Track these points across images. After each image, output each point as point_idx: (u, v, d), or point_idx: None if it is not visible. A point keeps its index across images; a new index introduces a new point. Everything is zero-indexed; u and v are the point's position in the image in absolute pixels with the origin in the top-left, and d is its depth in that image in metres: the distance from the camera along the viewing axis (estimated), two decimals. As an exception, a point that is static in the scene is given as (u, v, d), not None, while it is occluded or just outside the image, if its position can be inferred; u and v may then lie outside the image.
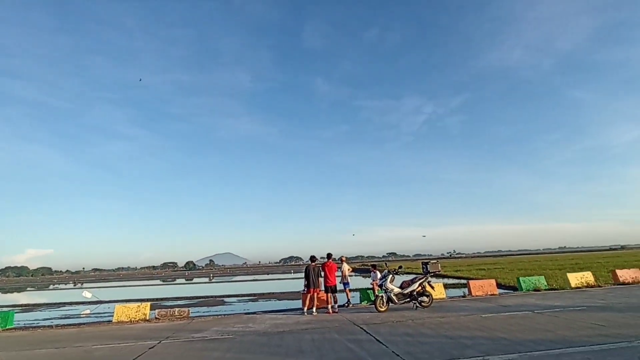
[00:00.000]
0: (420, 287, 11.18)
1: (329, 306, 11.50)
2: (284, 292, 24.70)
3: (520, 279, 15.42)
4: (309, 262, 12.20)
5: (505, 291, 15.59)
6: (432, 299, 11.44)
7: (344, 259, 13.79)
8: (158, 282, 63.53)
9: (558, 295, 12.93)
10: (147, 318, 12.23)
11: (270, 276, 60.00)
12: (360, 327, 8.73)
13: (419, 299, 11.12)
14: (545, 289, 14.47)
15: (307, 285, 11.61)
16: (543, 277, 15.73)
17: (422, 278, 11.40)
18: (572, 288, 14.38)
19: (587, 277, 15.16)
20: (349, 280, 13.41)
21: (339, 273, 12.68)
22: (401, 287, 11.13)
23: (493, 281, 14.80)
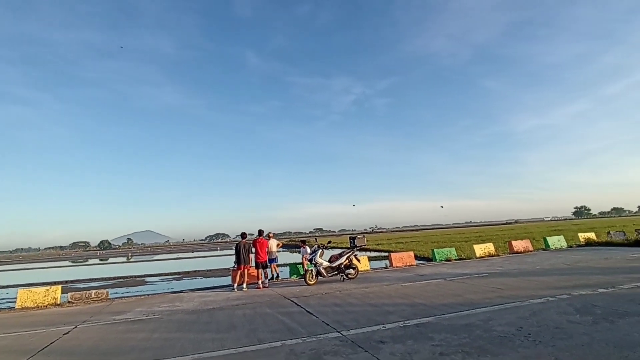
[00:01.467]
0: (347, 260, 11.76)
1: (260, 282, 11.59)
2: (211, 270, 24.20)
3: (435, 250, 17.02)
4: (239, 238, 12.08)
5: (422, 262, 17.09)
6: (358, 271, 12.12)
7: (271, 235, 13.86)
8: (67, 263, 57.89)
9: (466, 264, 14.56)
10: (59, 302, 11.18)
11: (195, 254, 58.14)
12: (291, 301, 8.98)
13: (346, 271, 11.71)
14: (455, 259, 16.18)
15: (238, 262, 11.54)
16: (454, 248, 17.53)
17: (349, 252, 12.00)
18: (477, 258, 16.27)
19: (489, 247, 17.26)
20: (277, 256, 13.63)
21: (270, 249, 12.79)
22: (330, 261, 11.60)
23: (411, 253, 16.12)
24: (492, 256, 16.52)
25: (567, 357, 4.30)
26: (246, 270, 11.56)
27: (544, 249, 17.96)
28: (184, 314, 8.32)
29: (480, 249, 16.95)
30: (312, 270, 11.32)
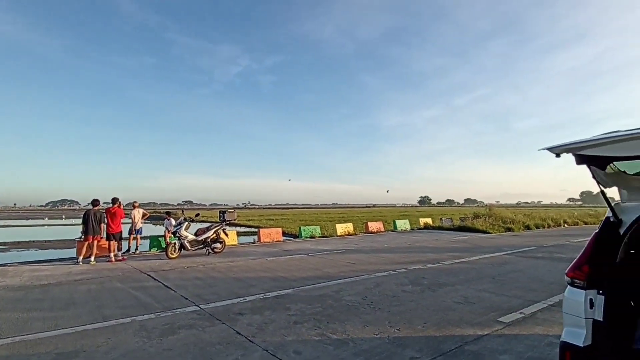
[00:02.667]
0: (214, 234, 11.49)
1: (112, 254, 10.42)
2: (50, 241, 20.65)
3: (301, 228, 17.95)
4: (90, 206, 10.59)
5: (289, 238, 17.86)
6: (225, 245, 11.97)
7: (136, 204, 12.61)
8: None
9: (328, 241, 15.77)
10: None
11: (31, 222, 48.81)
12: (148, 275, 8.36)
13: (212, 245, 11.44)
14: (319, 237, 17.37)
15: (86, 232, 10.11)
16: (318, 227, 18.77)
17: (218, 226, 11.73)
18: (338, 236, 17.79)
19: (349, 227, 19.04)
20: (142, 227, 12.51)
21: (127, 220, 11.59)
22: (196, 234, 11.15)
23: (280, 229, 16.68)
24: (351, 235, 18.28)
25: (398, 319, 5.09)
26: (95, 241, 10.23)
27: (392, 230, 20.69)
28: (7, 291, 6.96)
29: (341, 228, 18.55)
30: (175, 243, 10.70)
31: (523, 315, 5.30)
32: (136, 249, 12.21)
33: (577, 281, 2.48)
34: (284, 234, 17.05)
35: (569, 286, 2.58)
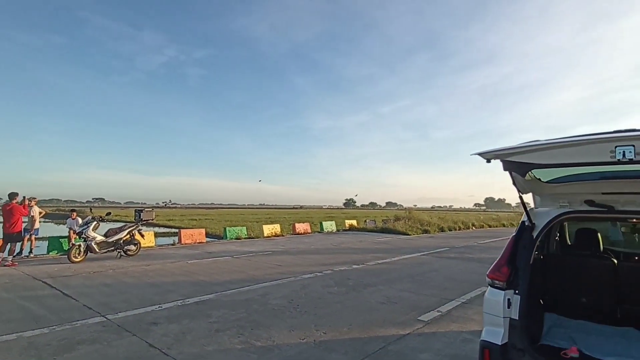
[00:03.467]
0: (128, 235, 10.47)
1: (3, 257, 8.98)
2: None
3: (226, 228, 17.28)
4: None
5: (213, 239, 17.06)
6: (140, 247, 10.99)
7: (34, 201, 10.81)
8: None
9: (254, 242, 15.37)
10: None
11: None
12: (43, 282, 7.28)
13: (125, 247, 10.42)
14: (245, 238, 16.87)
15: None
16: (245, 228, 18.24)
17: (133, 226, 10.72)
18: (265, 237, 17.45)
19: (276, 228, 18.81)
20: (39, 228, 10.91)
21: (25, 219, 10.06)
22: (106, 235, 10.05)
23: (203, 230, 15.85)
24: (278, 236, 18.07)
25: (324, 322, 5.05)
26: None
27: (319, 232, 20.93)
28: None
29: (268, 229, 18.24)
30: (80, 245, 9.52)
31: (440, 313, 5.60)
32: (30, 251, 10.62)
33: (497, 282, 2.61)
34: (207, 235, 16.22)
35: (489, 287, 2.71)
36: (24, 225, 9.84)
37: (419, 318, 5.33)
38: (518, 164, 2.23)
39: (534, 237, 2.73)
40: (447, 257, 11.59)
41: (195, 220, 39.55)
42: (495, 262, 2.75)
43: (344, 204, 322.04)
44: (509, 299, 2.51)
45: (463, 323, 5.15)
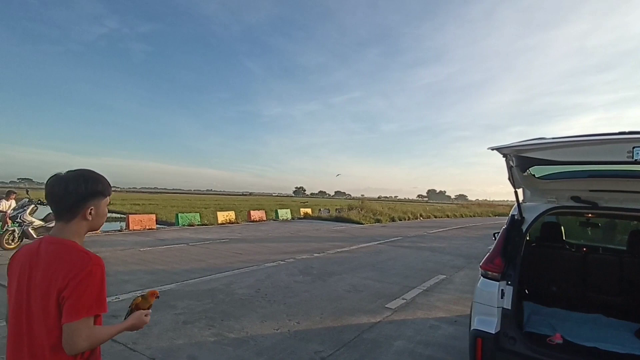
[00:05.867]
0: (71, 221, 9.60)
1: None
2: None
3: (179, 214, 16.52)
4: None
5: (163, 226, 16.22)
6: (85, 233, 10.13)
7: None
8: None
9: (208, 229, 14.85)
10: None
11: None
12: (-28, 271, 6.45)
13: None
14: (199, 224, 16.25)
15: None
16: (198, 214, 17.56)
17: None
18: (219, 224, 16.92)
19: (231, 215, 18.32)
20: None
21: None
22: (45, 220, 9.14)
23: (153, 216, 15.02)
24: (233, 223, 17.62)
25: (295, 311, 4.99)
26: None
27: (274, 220, 20.72)
28: None
29: (222, 216, 17.72)
30: (14, 230, 8.56)
31: (405, 300, 5.78)
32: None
33: (491, 273, 2.70)
34: (157, 221, 15.39)
35: (482, 278, 2.80)
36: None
37: (386, 306, 5.46)
38: (527, 159, 2.30)
39: (524, 230, 2.86)
40: (402, 246, 12.02)
41: (139, 205, 37.42)
42: (488, 254, 2.85)
43: (294, 192, 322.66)
44: (502, 290, 2.61)
45: (428, 310, 5.35)
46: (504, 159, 2.47)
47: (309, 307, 5.24)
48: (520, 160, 2.37)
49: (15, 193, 10.35)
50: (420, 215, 27.86)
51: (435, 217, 29.93)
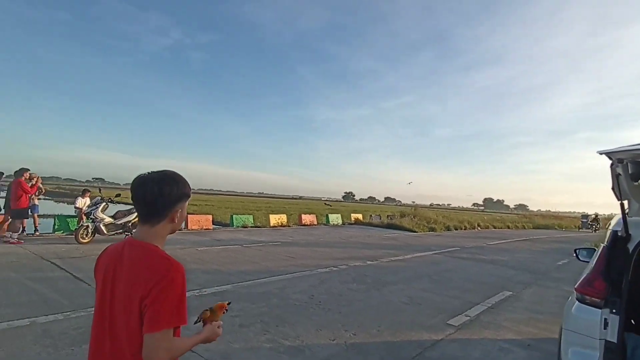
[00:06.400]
0: (137, 218, 10.18)
1: (8, 234, 8.77)
2: None
3: (233, 216, 17.02)
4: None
5: (218, 226, 16.78)
6: (148, 231, 10.70)
7: (35, 176, 10.31)
8: None
9: (261, 231, 15.11)
10: None
11: None
12: (52, 262, 7.01)
13: (133, 230, 10.15)
14: (252, 226, 16.61)
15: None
16: (251, 216, 17.98)
17: (141, 209, 10.45)
18: (271, 226, 17.18)
19: (282, 218, 18.54)
20: (38, 204, 10.65)
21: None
22: (114, 217, 9.78)
23: (210, 217, 15.57)
24: (284, 226, 17.80)
25: (350, 322, 4.79)
26: None
27: (325, 224, 20.66)
28: None
29: (274, 219, 17.97)
30: (88, 225, 9.24)
31: (469, 317, 5.35)
32: (35, 230, 10.36)
33: (590, 298, 2.32)
34: (213, 222, 15.94)
35: (578, 303, 2.41)
36: (30, 203, 9.58)
37: (448, 322, 5.08)
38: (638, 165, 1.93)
39: (630, 250, 2.41)
40: (460, 257, 11.35)
41: (196, 205, 39.16)
42: (586, 275, 2.45)
43: (343, 197, 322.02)
44: (605, 319, 2.22)
45: (496, 330, 4.90)
46: (610, 166, 2.10)
47: (364, 317, 5.01)
48: (637, 167, 1.99)
49: (90, 191, 11.24)
50: (478, 225, 26.35)
51: (495, 228, 28.17)
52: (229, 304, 1.49)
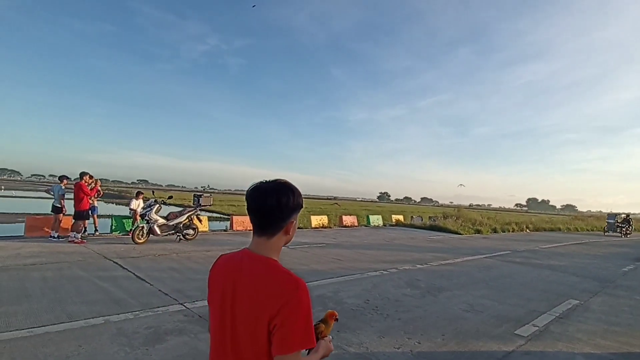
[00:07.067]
0: (188, 220, 10.54)
1: (72, 234, 9.35)
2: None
3: (275, 217, 17.18)
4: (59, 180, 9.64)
5: (261, 227, 16.99)
6: (198, 232, 11.04)
7: (91, 179, 10.81)
8: None
9: (304, 233, 15.14)
10: None
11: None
12: (114, 262, 7.36)
13: (185, 231, 10.49)
14: (293, 227, 16.67)
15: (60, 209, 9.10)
16: (293, 217, 18.05)
17: (192, 210, 10.78)
18: (312, 228, 17.21)
19: (324, 219, 18.52)
20: (97, 205, 11.30)
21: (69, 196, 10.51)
22: (167, 218, 10.14)
23: (253, 218, 15.81)
24: (325, 228, 17.77)
25: (412, 329, 4.63)
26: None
27: (365, 225, 20.43)
28: (-62, 275, 5.77)
29: (315, 220, 17.99)
30: (143, 226, 9.65)
31: (537, 328, 5.02)
32: (95, 230, 10.98)
33: None
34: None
35: None
36: (90, 204, 10.15)
37: (515, 332, 4.79)
38: None
39: None
40: (514, 262, 10.79)
41: (235, 206, 40.02)
42: None
43: (378, 197, 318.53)
44: None
45: (569, 343, 4.56)
46: None
47: (426, 325, 4.83)
48: None
49: (143, 193, 11.74)
50: (527, 227, 25.06)
51: (545, 230, 26.68)
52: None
